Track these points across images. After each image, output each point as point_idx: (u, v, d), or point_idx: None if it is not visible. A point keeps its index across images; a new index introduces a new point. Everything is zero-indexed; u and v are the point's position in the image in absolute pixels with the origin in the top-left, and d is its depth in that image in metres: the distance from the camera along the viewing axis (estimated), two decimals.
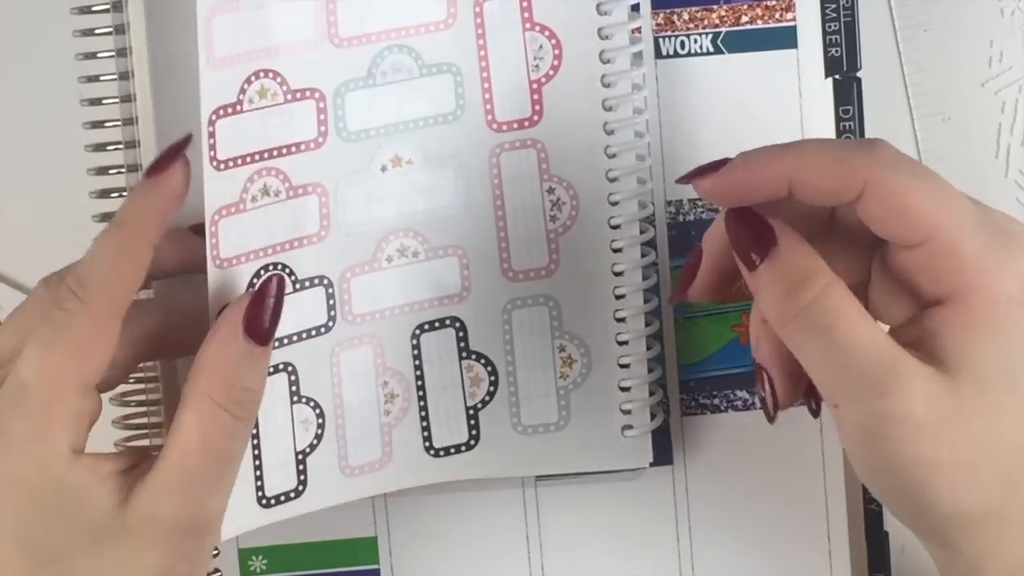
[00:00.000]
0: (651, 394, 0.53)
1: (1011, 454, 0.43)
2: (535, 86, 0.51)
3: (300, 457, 0.50)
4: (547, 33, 0.51)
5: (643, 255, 0.52)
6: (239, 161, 0.48)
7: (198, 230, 0.48)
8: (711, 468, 0.55)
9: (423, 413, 0.51)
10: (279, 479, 0.49)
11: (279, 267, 0.49)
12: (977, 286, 0.43)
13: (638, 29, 0.52)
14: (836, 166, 0.42)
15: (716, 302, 0.54)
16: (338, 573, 0.55)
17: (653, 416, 0.53)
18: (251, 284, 0.48)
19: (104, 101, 0.52)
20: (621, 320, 0.52)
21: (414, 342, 0.51)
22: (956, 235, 0.43)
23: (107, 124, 0.53)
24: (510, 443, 0.52)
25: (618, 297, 0.52)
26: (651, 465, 0.54)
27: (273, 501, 0.49)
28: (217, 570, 0.54)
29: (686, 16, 0.54)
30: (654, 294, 0.53)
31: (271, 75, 0.48)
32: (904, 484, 0.43)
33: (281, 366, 0.49)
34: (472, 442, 0.52)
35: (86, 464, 0.45)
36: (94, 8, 0.52)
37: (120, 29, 0.51)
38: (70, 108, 0.52)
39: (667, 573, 0.55)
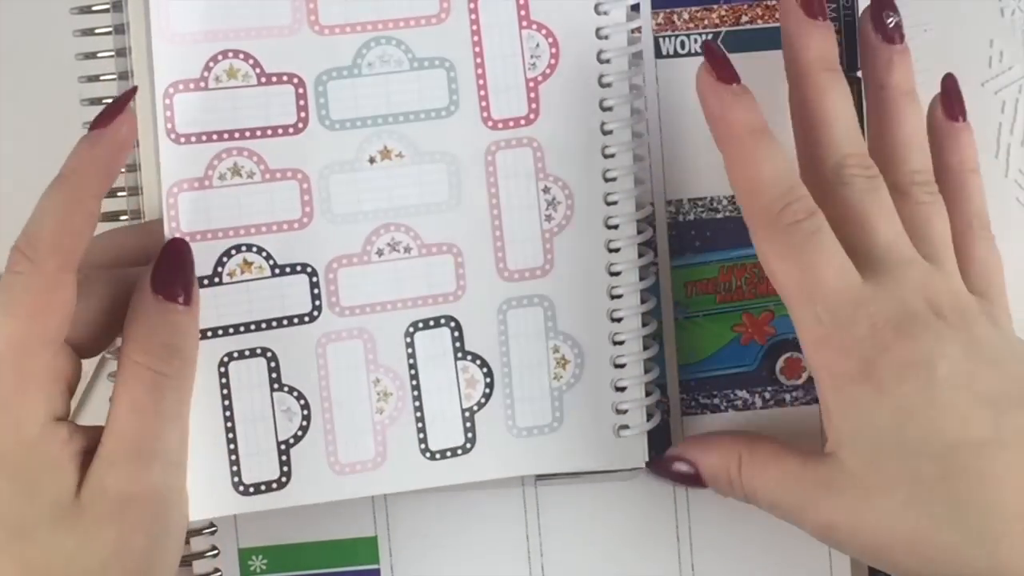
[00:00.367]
0: (648, 394, 0.52)
1: (947, 513, 0.45)
2: (531, 84, 0.51)
3: (283, 447, 0.50)
4: (544, 31, 0.51)
5: (640, 255, 0.52)
6: (203, 137, 0.49)
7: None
8: None
9: (418, 414, 0.51)
10: (259, 467, 0.50)
11: (254, 249, 0.50)
12: (814, 366, 0.47)
13: (637, 29, 0.52)
14: (740, 194, 0.49)
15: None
16: (338, 573, 0.55)
17: (650, 416, 0.53)
18: (220, 263, 0.49)
19: (104, 101, 0.52)
20: (617, 320, 0.52)
21: (408, 340, 0.51)
22: (800, 316, 0.47)
23: None
24: (505, 445, 0.52)
25: (614, 297, 0.52)
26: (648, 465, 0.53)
27: (252, 489, 0.50)
28: (217, 570, 0.54)
29: (686, 16, 0.54)
30: (652, 294, 0.53)
31: (242, 56, 0.50)
32: (885, 566, 0.47)
33: (259, 350, 0.50)
34: (468, 445, 0.52)
35: (61, 435, 0.45)
36: (94, 8, 0.52)
37: (120, 29, 0.52)
38: (70, 108, 0.53)
39: (667, 573, 0.55)
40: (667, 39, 0.54)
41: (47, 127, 0.54)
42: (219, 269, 0.50)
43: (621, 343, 0.52)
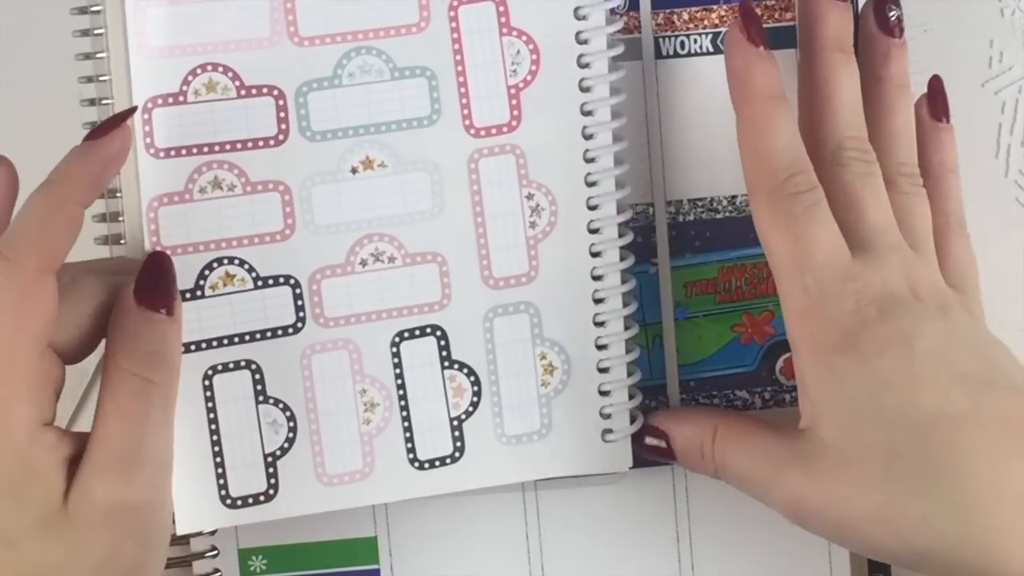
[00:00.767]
0: (631, 397, 0.52)
1: (920, 485, 0.45)
2: (513, 91, 0.51)
3: (269, 459, 0.50)
4: (524, 38, 0.51)
5: (622, 258, 0.52)
6: (183, 151, 0.49)
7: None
8: None
9: (406, 424, 0.51)
10: (246, 480, 0.50)
11: (236, 261, 0.49)
12: (795, 336, 0.48)
13: (616, 33, 0.52)
14: (748, 160, 0.49)
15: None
16: (338, 573, 0.55)
17: (633, 419, 0.53)
18: (202, 276, 0.49)
19: (103, 101, 0.51)
20: (601, 324, 0.52)
21: (394, 350, 0.51)
22: (788, 285, 0.47)
23: None
24: (495, 453, 0.52)
25: (597, 301, 0.52)
26: (651, 465, 0.54)
27: (240, 502, 0.50)
28: (217, 570, 0.54)
29: (686, 16, 0.54)
30: (633, 297, 0.53)
31: (221, 69, 0.49)
32: (853, 543, 0.48)
33: (244, 363, 0.50)
34: (457, 454, 0.52)
35: (48, 441, 0.45)
36: (93, 8, 0.51)
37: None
38: (69, 108, 0.52)
39: (667, 573, 0.55)
40: (667, 39, 0.54)
41: (46, 127, 0.54)
42: (201, 282, 0.50)
43: (605, 347, 0.52)
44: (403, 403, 0.51)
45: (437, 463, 0.51)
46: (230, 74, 0.49)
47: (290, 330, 0.50)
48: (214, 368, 0.50)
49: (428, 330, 0.51)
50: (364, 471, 0.51)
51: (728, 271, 0.54)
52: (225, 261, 0.50)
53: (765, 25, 0.53)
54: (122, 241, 0.50)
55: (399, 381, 0.51)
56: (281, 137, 0.50)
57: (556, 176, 0.51)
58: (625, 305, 0.52)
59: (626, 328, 0.52)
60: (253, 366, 0.50)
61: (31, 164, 0.49)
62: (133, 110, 0.48)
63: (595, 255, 0.52)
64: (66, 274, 0.47)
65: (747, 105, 0.49)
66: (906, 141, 0.51)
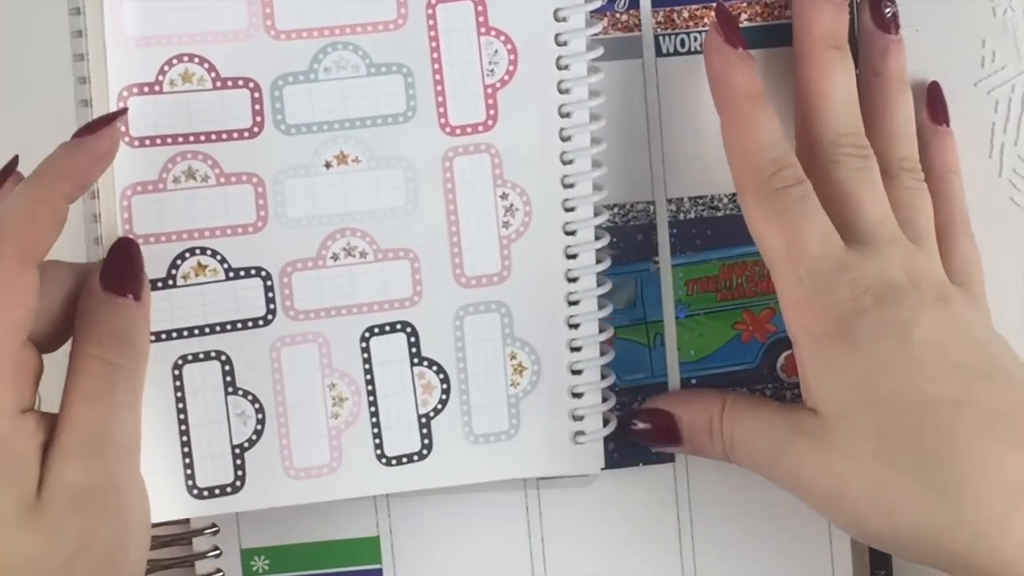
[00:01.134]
0: (604, 400, 0.52)
1: (911, 467, 0.45)
2: (490, 91, 0.51)
3: (237, 451, 0.50)
4: (502, 38, 0.51)
5: (598, 261, 0.52)
6: (157, 140, 0.49)
7: None
8: (712, 465, 0.54)
9: (374, 420, 0.51)
10: (213, 471, 0.50)
11: (208, 252, 0.50)
12: (793, 330, 0.48)
13: (596, 35, 0.52)
14: (733, 160, 0.50)
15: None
16: (341, 573, 0.55)
17: (606, 422, 0.52)
18: (174, 265, 0.50)
19: (83, 101, 0.52)
20: (575, 326, 0.52)
21: (363, 345, 0.51)
22: (782, 278, 0.48)
23: None
24: (462, 452, 0.52)
25: (572, 303, 0.52)
26: (654, 463, 0.54)
27: (206, 493, 0.50)
28: (219, 570, 0.54)
29: (686, 14, 0.54)
30: (608, 300, 0.53)
31: (197, 60, 0.50)
32: (843, 520, 0.48)
33: (213, 354, 0.50)
34: (425, 451, 0.52)
35: (28, 428, 0.46)
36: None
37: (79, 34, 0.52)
38: (67, 108, 0.52)
39: (669, 571, 0.55)
40: (667, 37, 0.54)
41: (44, 127, 0.54)
42: (173, 272, 0.50)
43: (578, 349, 0.52)
44: (372, 399, 0.51)
45: (404, 460, 0.51)
46: (206, 65, 0.50)
47: (260, 322, 0.51)
48: (184, 358, 0.50)
49: (398, 326, 0.51)
50: (331, 465, 0.51)
51: (729, 269, 0.54)
52: (197, 251, 0.50)
53: (764, 23, 0.54)
54: (99, 233, 0.51)
55: (368, 376, 0.51)
56: (256, 129, 0.50)
57: (532, 177, 0.52)
58: (600, 308, 0.52)
59: (601, 331, 0.52)
60: (223, 357, 0.50)
61: (29, 165, 0.49)
62: (124, 111, 0.49)
63: (571, 257, 0.52)
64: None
65: (729, 106, 0.49)
66: (907, 136, 0.52)
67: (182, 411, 0.50)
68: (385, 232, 0.51)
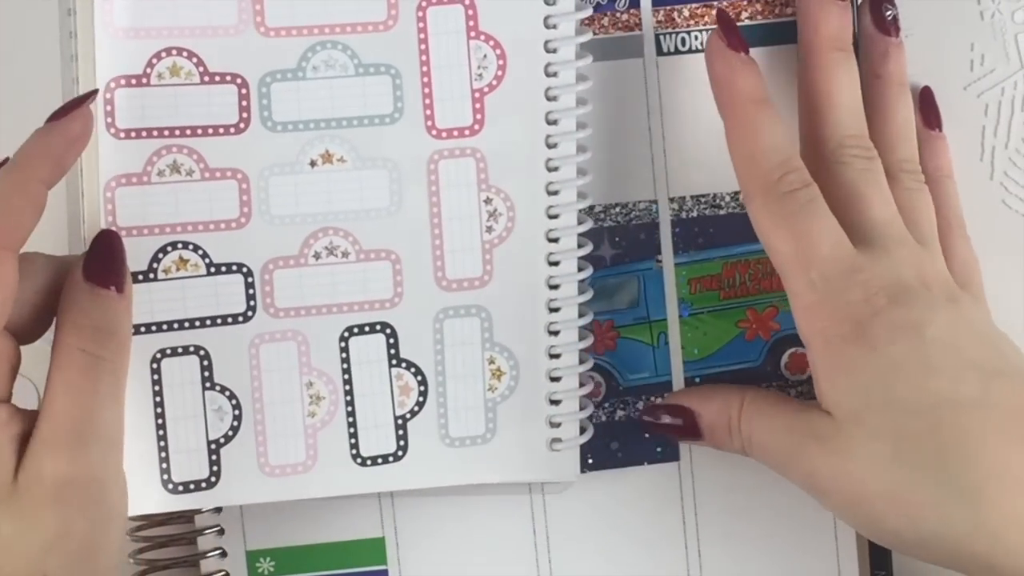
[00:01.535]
0: (581, 408, 0.52)
1: (930, 469, 0.45)
2: (477, 95, 0.51)
3: (213, 447, 0.50)
4: (492, 43, 0.51)
5: (580, 268, 0.52)
6: (143, 133, 0.50)
7: None
8: (717, 464, 0.55)
9: (351, 419, 0.51)
10: (188, 465, 0.50)
11: (190, 246, 0.50)
12: (806, 333, 0.48)
13: (585, 44, 0.52)
14: (739, 162, 0.49)
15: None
16: (347, 574, 0.55)
17: (583, 430, 0.53)
18: (155, 258, 0.50)
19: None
20: (555, 333, 0.52)
21: (342, 344, 0.51)
22: (793, 282, 0.48)
23: None
24: (438, 454, 0.52)
25: (552, 310, 0.52)
26: (659, 461, 0.54)
27: (181, 487, 0.50)
28: (223, 571, 0.54)
29: (687, 13, 0.54)
30: (588, 308, 0.53)
31: (186, 54, 0.50)
32: (862, 522, 0.48)
33: (192, 348, 0.50)
34: (400, 453, 0.52)
35: (0, 418, 0.46)
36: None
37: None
38: (56, 103, 0.52)
39: (675, 570, 0.55)
40: (667, 36, 0.54)
41: (31, 120, 0.54)
42: (154, 265, 0.50)
43: (557, 356, 0.52)
44: (349, 398, 0.51)
45: (380, 460, 0.51)
46: (194, 59, 0.50)
47: (240, 318, 0.51)
48: (163, 352, 0.50)
49: (378, 327, 0.51)
50: (307, 464, 0.51)
51: (732, 267, 0.55)
52: (179, 245, 0.50)
53: (765, 21, 0.54)
54: (82, 224, 0.51)
55: (346, 376, 0.51)
56: (242, 125, 0.50)
57: (516, 183, 0.52)
58: (581, 315, 0.52)
59: (581, 338, 0.52)
60: (202, 352, 0.50)
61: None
62: (94, 93, 0.49)
63: (553, 264, 0.52)
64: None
65: (733, 110, 0.49)
66: (907, 138, 0.52)
67: (159, 405, 0.50)
68: (368, 232, 0.51)
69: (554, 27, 0.52)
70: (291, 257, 0.51)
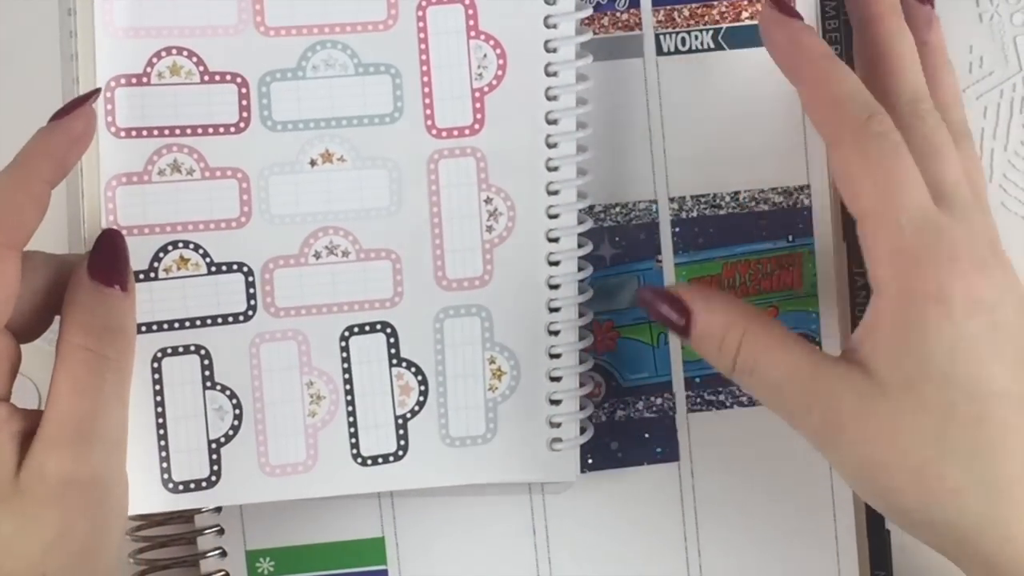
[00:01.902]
0: (582, 408, 0.52)
1: (965, 456, 0.44)
2: (477, 94, 0.51)
3: (213, 446, 0.50)
4: (492, 42, 0.51)
5: (580, 268, 0.52)
6: (144, 132, 0.50)
7: None
8: (717, 465, 0.55)
9: (351, 419, 0.51)
10: (189, 465, 0.50)
11: (190, 246, 0.50)
12: (882, 278, 0.45)
13: (586, 44, 0.52)
14: (824, 108, 0.47)
15: None
16: (346, 574, 0.55)
17: (583, 430, 0.53)
18: (156, 258, 0.50)
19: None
20: (555, 333, 0.52)
21: (343, 344, 0.51)
22: (881, 225, 0.45)
23: None
24: (438, 454, 0.52)
25: (552, 310, 0.52)
26: (659, 461, 0.54)
27: (181, 487, 0.50)
28: (223, 571, 0.54)
29: (687, 12, 0.54)
30: (588, 308, 0.53)
31: (186, 53, 0.50)
32: (873, 489, 0.46)
33: (193, 347, 0.50)
34: (401, 452, 0.52)
35: (1, 415, 0.46)
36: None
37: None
38: (57, 103, 0.52)
39: (674, 571, 0.55)
40: (668, 36, 0.54)
41: (32, 120, 0.54)
42: (155, 264, 0.50)
43: (557, 356, 0.52)
44: (349, 398, 0.51)
45: (380, 460, 0.51)
46: (194, 59, 0.50)
47: (240, 317, 0.51)
48: (163, 351, 0.50)
49: (378, 326, 0.51)
50: (307, 463, 0.51)
51: (732, 267, 0.55)
52: (180, 244, 0.50)
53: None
54: (82, 224, 0.51)
55: (346, 376, 0.51)
56: (242, 125, 0.50)
57: (517, 182, 0.52)
58: (581, 315, 0.52)
59: (581, 338, 0.52)
60: (202, 351, 0.50)
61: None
62: (96, 91, 0.49)
63: (553, 264, 0.52)
64: None
65: (807, 66, 0.48)
66: (959, 103, 0.51)
67: (160, 404, 0.50)
68: (368, 232, 0.51)
69: (554, 27, 0.52)
70: (291, 256, 0.51)
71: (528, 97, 0.52)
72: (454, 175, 0.51)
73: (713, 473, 0.55)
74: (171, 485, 0.50)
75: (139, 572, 0.54)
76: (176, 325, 0.50)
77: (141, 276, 0.50)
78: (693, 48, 0.54)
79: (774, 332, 0.48)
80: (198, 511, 0.54)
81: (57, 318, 0.48)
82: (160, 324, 0.50)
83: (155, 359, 0.50)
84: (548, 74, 0.52)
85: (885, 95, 0.49)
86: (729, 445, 0.55)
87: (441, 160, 0.51)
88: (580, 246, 0.52)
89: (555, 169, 0.52)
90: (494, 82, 0.51)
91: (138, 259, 0.50)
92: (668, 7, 0.54)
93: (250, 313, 0.51)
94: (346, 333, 0.51)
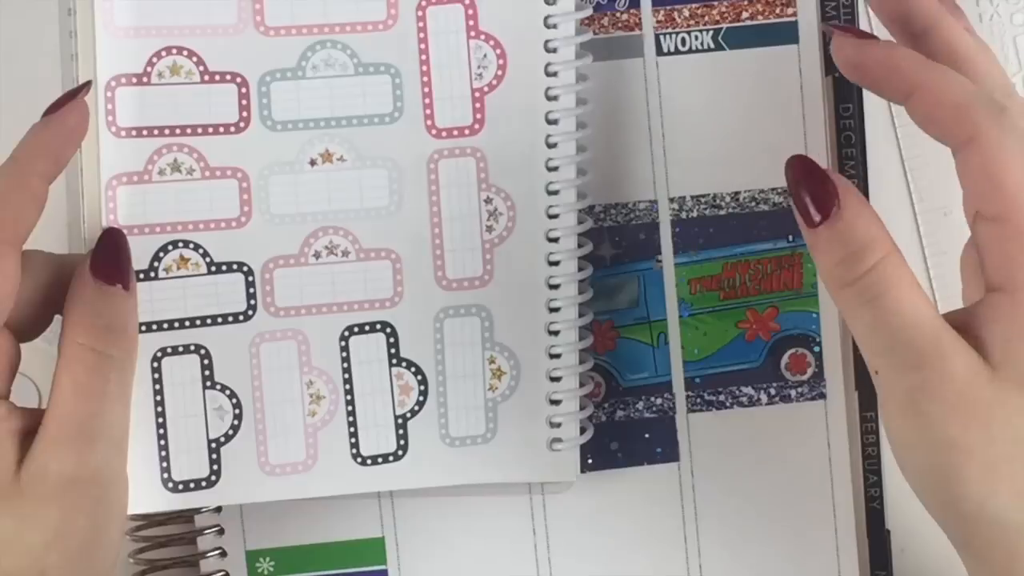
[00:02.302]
0: (581, 408, 0.52)
1: None
2: (477, 94, 0.51)
3: (213, 446, 0.50)
4: (492, 42, 0.51)
5: (580, 268, 0.52)
6: (144, 132, 0.50)
7: None
8: (717, 465, 0.55)
9: (351, 419, 0.51)
10: (188, 464, 0.50)
11: (191, 245, 0.50)
12: None
13: (585, 44, 0.52)
14: (952, 109, 0.44)
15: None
16: (346, 574, 0.55)
17: (583, 430, 0.53)
18: (156, 257, 0.50)
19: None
20: (555, 333, 0.52)
21: (343, 344, 0.51)
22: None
23: None
24: (438, 454, 0.52)
25: (552, 310, 0.52)
26: (659, 461, 0.54)
27: (181, 486, 0.50)
28: (223, 571, 0.54)
29: (687, 13, 0.54)
30: (588, 308, 0.53)
31: (186, 53, 0.50)
32: (935, 466, 0.43)
33: (193, 347, 0.50)
34: (400, 452, 0.52)
35: (0, 413, 0.46)
36: None
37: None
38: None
39: (674, 570, 0.55)
40: (668, 36, 0.54)
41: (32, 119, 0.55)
42: (155, 264, 0.50)
43: (557, 356, 0.52)
44: (349, 397, 0.51)
45: (380, 460, 0.51)
46: (194, 59, 0.50)
47: (240, 317, 0.51)
48: (163, 351, 0.50)
49: (378, 326, 0.51)
50: (307, 463, 0.51)
51: (732, 267, 0.55)
52: (180, 244, 0.50)
53: (765, 21, 0.54)
54: (82, 223, 0.51)
55: (346, 375, 0.51)
56: (242, 124, 0.50)
57: (516, 182, 0.52)
58: (581, 315, 0.52)
59: (580, 338, 0.52)
60: (202, 351, 0.50)
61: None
62: (87, 85, 0.49)
63: (553, 264, 0.52)
64: None
65: (914, 78, 0.45)
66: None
67: (160, 404, 0.50)
68: (368, 232, 0.51)
69: (554, 27, 0.52)
70: (291, 256, 0.51)
71: (528, 97, 0.52)
72: (454, 175, 0.51)
73: (713, 473, 0.55)
74: (171, 485, 0.50)
75: (139, 572, 0.54)
76: (176, 325, 0.50)
77: (141, 276, 0.50)
78: (693, 48, 0.54)
79: (911, 273, 0.44)
80: (198, 511, 0.54)
81: (57, 318, 0.48)
82: (160, 324, 0.50)
83: (155, 359, 0.50)
84: (548, 74, 0.52)
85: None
86: (729, 445, 0.55)
87: (441, 160, 0.51)
88: (580, 246, 0.52)
89: (555, 169, 0.52)
90: (494, 82, 0.52)
91: (138, 259, 0.50)
92: (668, 7, 0.54)
93: (250, 313, 0.51)
94: (346, 333, 0.51)
